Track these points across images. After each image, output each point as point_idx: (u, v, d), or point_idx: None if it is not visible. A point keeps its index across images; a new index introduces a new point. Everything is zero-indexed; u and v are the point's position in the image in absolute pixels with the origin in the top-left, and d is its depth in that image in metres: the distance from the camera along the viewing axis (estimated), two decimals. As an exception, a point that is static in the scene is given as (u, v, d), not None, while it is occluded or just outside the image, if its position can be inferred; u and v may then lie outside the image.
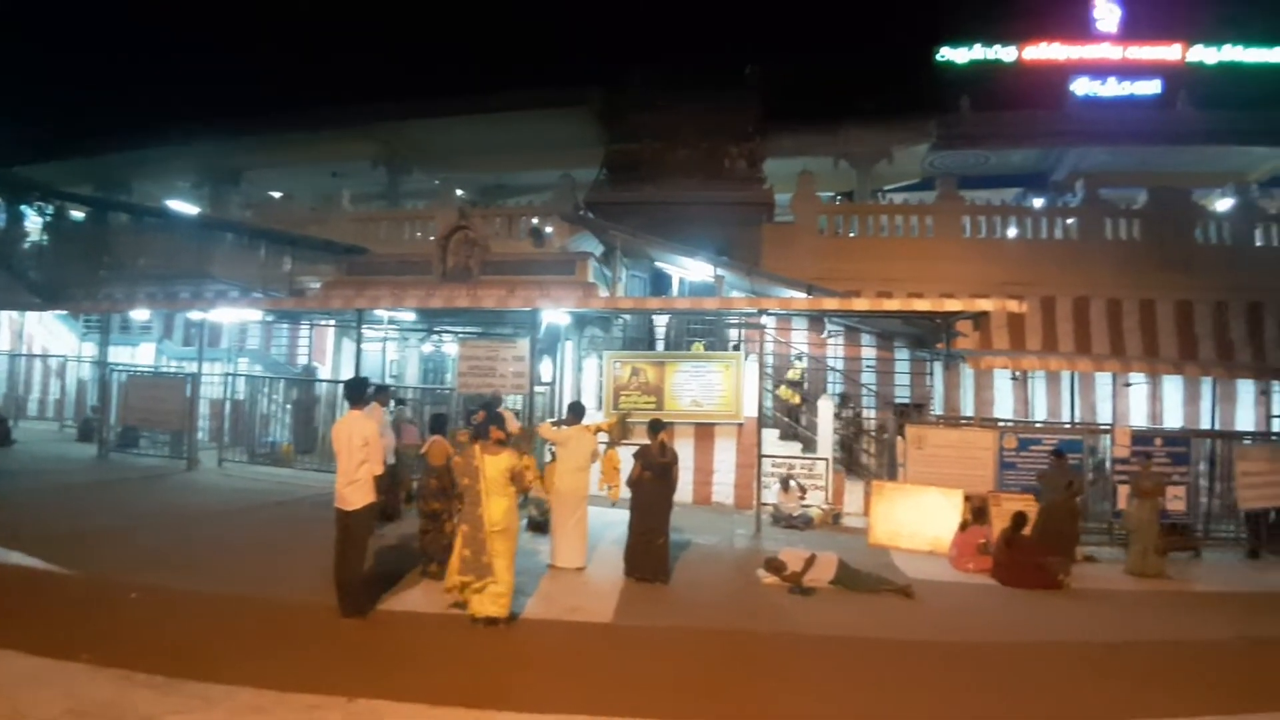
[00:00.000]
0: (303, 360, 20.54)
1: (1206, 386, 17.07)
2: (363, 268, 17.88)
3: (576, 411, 10.55)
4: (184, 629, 6.94)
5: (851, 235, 20.05)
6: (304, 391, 18.44)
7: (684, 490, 14.23)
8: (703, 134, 21.17)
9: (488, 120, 24.00)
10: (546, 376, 16.49)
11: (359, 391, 8.15)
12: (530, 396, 14.72)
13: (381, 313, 16.31)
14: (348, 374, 16.24)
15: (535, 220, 20.58)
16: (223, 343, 20.65)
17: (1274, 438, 14.92)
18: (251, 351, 20.70)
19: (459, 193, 27.45)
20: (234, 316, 18.91)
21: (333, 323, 18.90)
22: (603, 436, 10.54)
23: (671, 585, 9.35)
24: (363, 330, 16.13)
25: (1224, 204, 21.18)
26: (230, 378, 17.58)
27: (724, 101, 21.31)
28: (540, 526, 11.50)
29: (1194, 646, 8.14)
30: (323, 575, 7.60)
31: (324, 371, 20.02)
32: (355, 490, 7.42)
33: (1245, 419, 17.40)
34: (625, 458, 10.34)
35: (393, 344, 19.65)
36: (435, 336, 19.54)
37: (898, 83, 25.19)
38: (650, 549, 9.44)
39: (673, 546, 10.01)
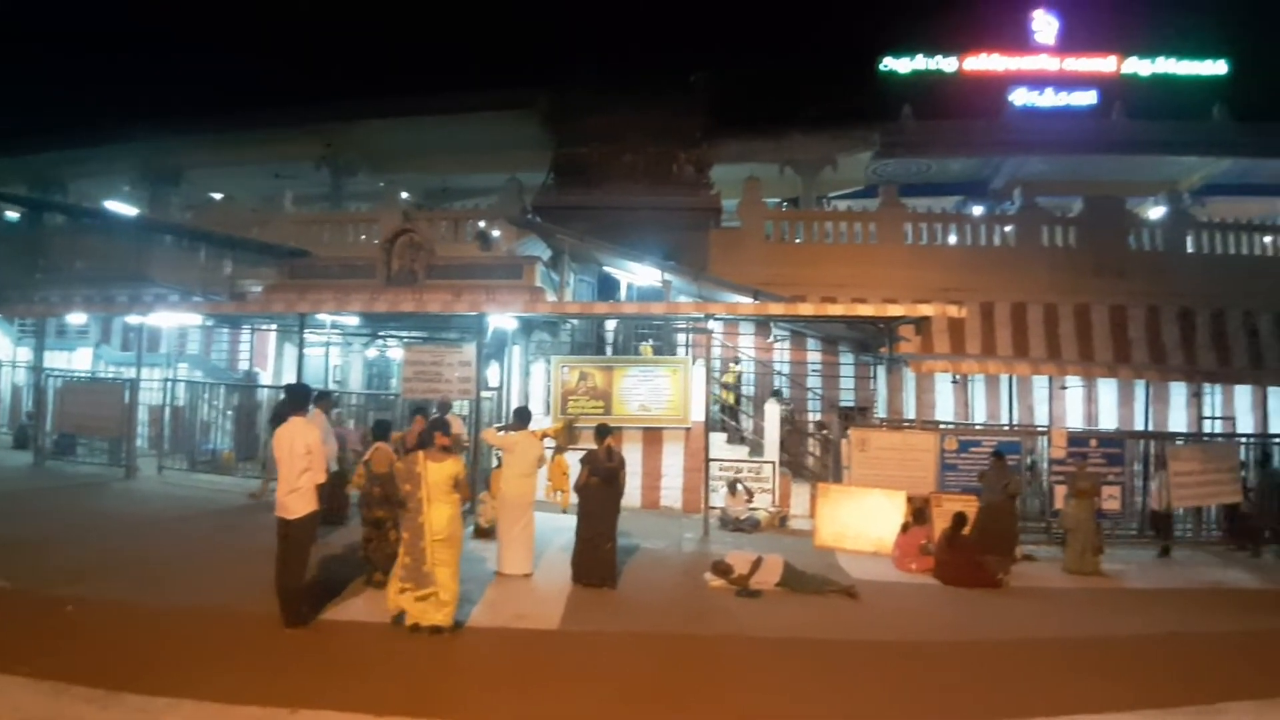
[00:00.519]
0: (244, 365, 20.09)
1: (1140, 389, 17.58)
2: (305, 271, 17.55)
3: (522, 417, 10.47)
4: (124, 641, 6.76)
5: (797, 241, 20.30)
6: (245, 397, 18.02)
7: (632, 495, 14.23)
8: (650, 139, 21.25)
9: (433, 122, 23.79)
10: (494, 381, 16.33)
11: (301, 398, 8.00)
12: (477, 402, 14.56)
13: (325, 317, 16.02)
14: (290, 379, 15.92)
15: (482, 224, 20.42)
16: (162, 348, 20.08)
17: (1205, 438, 15.43)
18: (192, 357, 20.18)
19: (404, 195, 27.15)
20: (173, 321, 18.41)
21: (274, 327, 18.52)
22: (549, 442, 10.48)
23: (619, 590, 9.31)
24: (305, 335, 15.83)
25: (1156, 212, 21.90)
26: (170, 383, 17.14)
27: (671, 107, 21.43)
28: (487, 533, 11.38)
29: (1128, 642, 8.34)
30: (265, 585, 7.41)
31: (266, 377, 19.59)
32: (297, 498, 7.27)
33: (1178, 420, 17.94)
34: (573, 463, 10.28)
35: (336, 349, 19.31)
36: (380, 341, 19.24)
37: (842, 91, 25.58)
38: (597, 554, 9.39)
39: (620, 551, 9.97)
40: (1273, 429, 16.97)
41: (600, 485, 9.47)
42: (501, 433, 10.58)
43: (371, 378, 20.32)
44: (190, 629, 7.14)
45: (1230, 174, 24.66)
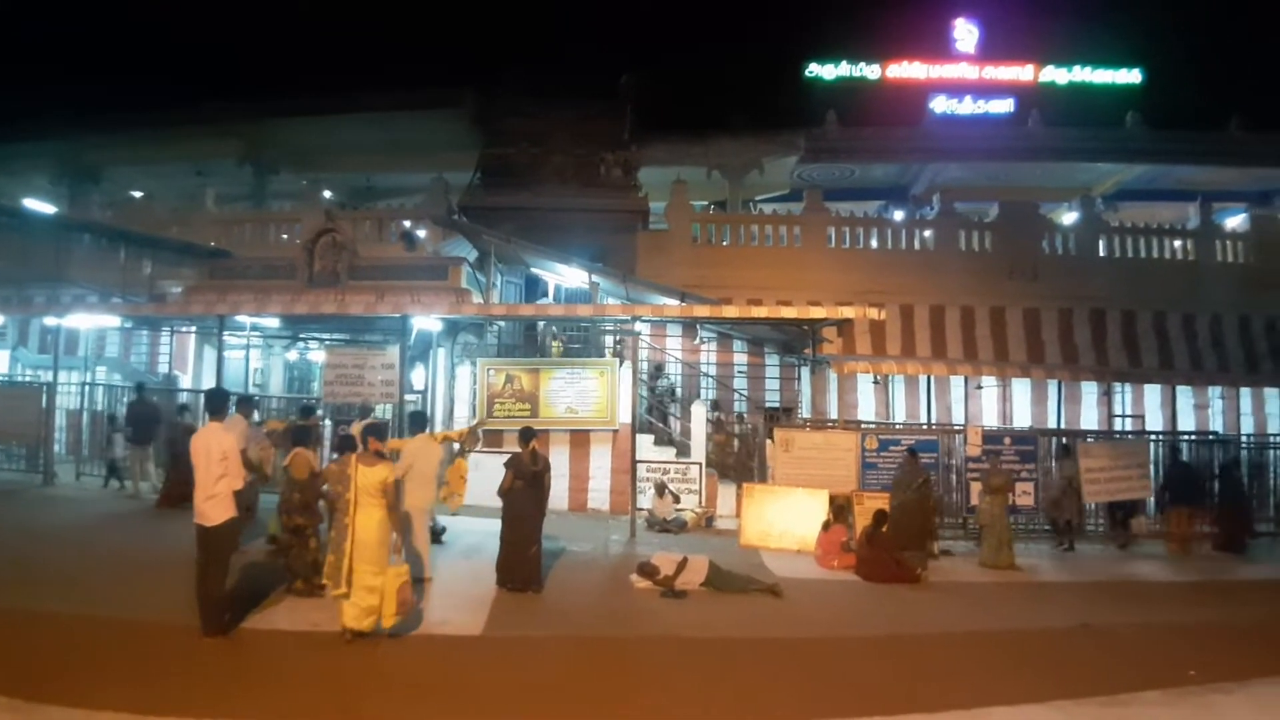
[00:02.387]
0: (164, 369, 19.42)
1: (1053, 388, 18.20)
2: (226, 271, 17.11)
3: (418, 422, 10.51)
4: (42, 651, 6.59)
5: (724, 244, 20.47)
6: (165, 401, 17.44)
7: (559, 497, 14.18)
8: (578, 140, 21.18)
9: (358, 120, 23.28)
10: (419, 384, 16.09)
11: (220, 403, 7.90)
12: (400, 405, 14.33)
13: (245, 319, 15.58)
14: (210, 383, 15.50)
15: (407, 224, 20.05)
16: (80, 350, 19.30)
17: (1116, 436, 16.02)
18: (110, 359, 19.43)
19: (327, 194, 26.55)
20: (91, 322, 17.70)
21: (194, 329, 17.96)
22: (455, 446, 10.40)
23: (544, 594, 9.26)
24: (225, 337, 15.38)
25: (1070, 217, 22.63)
26: (88, 387, 16.55)
27: (599, 109, 21.39)
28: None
29: (1041, 634, 8.64)
30: (185, 592, 7.26)
31: (185, 380, 18.94)
32: (214, 505, 7.15)
33: (1090, 418, 18.56)
34: (494, 468, 10.08)
35: (257, 351, 18.78)
36: (301, 344, 18.79)
37: (768, 97, 25.95)
38: (522, 558, 9.32)
39: (546, 555, 9.93)
40: (1182, 426, 17.67)
41: (525, 489, 9.39)
42: (399, 438, 10.48)
43: (293, 381, 19.82)
44: (110, 639, 6.98)
45: (1142, 179, 25.58)
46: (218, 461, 7.15)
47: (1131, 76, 26.91)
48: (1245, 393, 19.31)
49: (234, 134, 24.26)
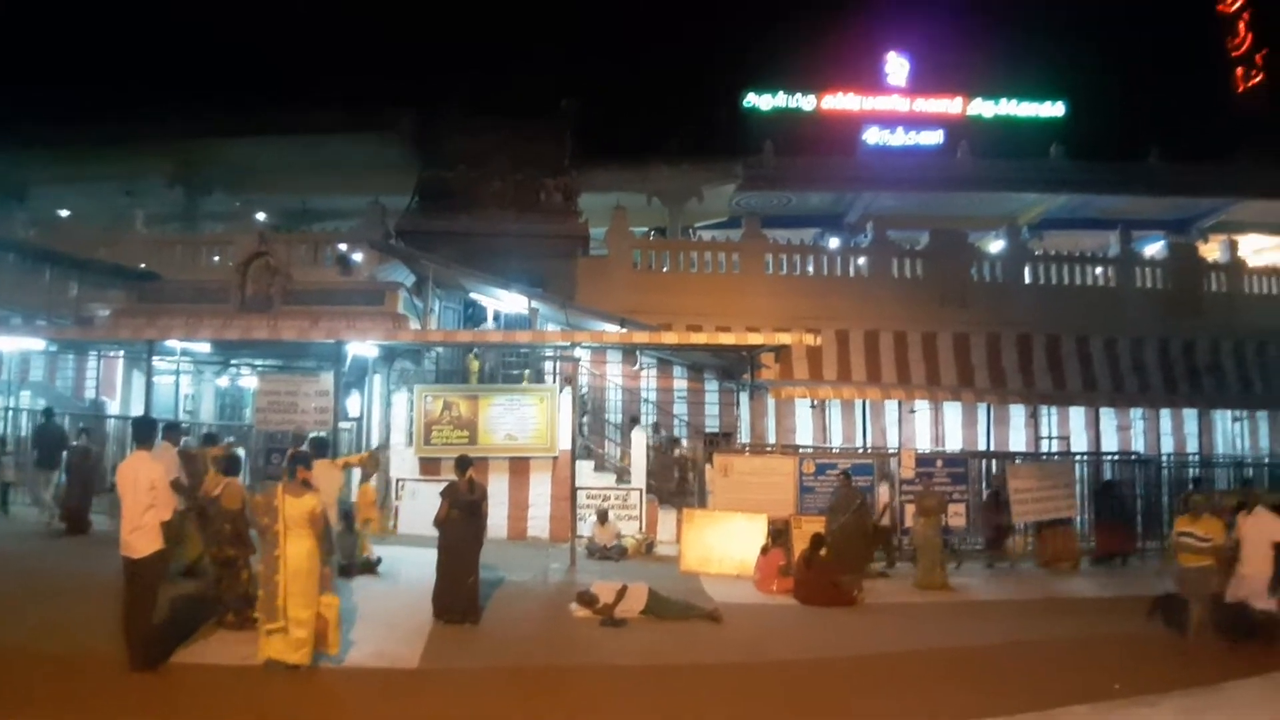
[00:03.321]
0: (91, 394, 18.76)
1: (983, 411, 18.68)
2: (155, 295, 16.69)
3: (319, 447, 10.35)
4: None
5: (664, 270, 20.63)
6: (92, 428, 16.86)
7: (498, 526, 14.08)
8: (518, 165, 21.17)
9: (293, 141, 23.02)
10: (354, 412, 15.83)
11: (147, 431, 7.70)
12: (335, 433, 14.07)
13: (175, 343, 15.19)
14: (139, 409, 15.06)
15: (343, 247, 19.77)
16: (2, 375, 18.54)
17: (1043, 457, 16.50)
18: (35, 384, 18.68)
19: (260, 216, 26.05)
20: (15, 345, 17.07)
21: (122, 354, 17.43)
22: (357, 473, 10.28)
23: (482, 625, 9.11)
24: (155, 362, 14.96)
25: (997, 245, 23.34)
26: (10, 412, 15.85)
27: (540, 134, 21.46)
28: (346, 570, 10.98)
29: (974, 652, 8.84)
30: (111, 625, 7.00)
31: (113, 406, 18.34)
32: (141, 536, 6.92)
33: (1018, 440, 19.09)
34: (432, 496, 9.95)
35: (188, 377, 18.28)
36: (234, 369, 18.35)
37: (707, 125, 26.39)
38: (460, 589, 9.17)
39: (485, 584, 9.77)
40: (1105, 447, 18.28)
41: (462, 518, 9.26)
42: None
43: (225, 408, 19.31)
44: (34, 672, 6.74)
45: (1065, 209, 26.52)
46: (145, 491, 6.95)
47: (1055, 109, 28.15)
48: (1165, 413, 20.02)
49: (166, 152, 23.75)
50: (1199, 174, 25.52)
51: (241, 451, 13.48)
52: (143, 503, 6.95)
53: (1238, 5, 35.06)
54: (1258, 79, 34.02)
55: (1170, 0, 35.51)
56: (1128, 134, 26.72)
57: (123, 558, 6.97)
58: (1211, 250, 23.46)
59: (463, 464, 9.63)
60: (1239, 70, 34.66)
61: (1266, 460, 19.34)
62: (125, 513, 6.99)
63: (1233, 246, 22.67)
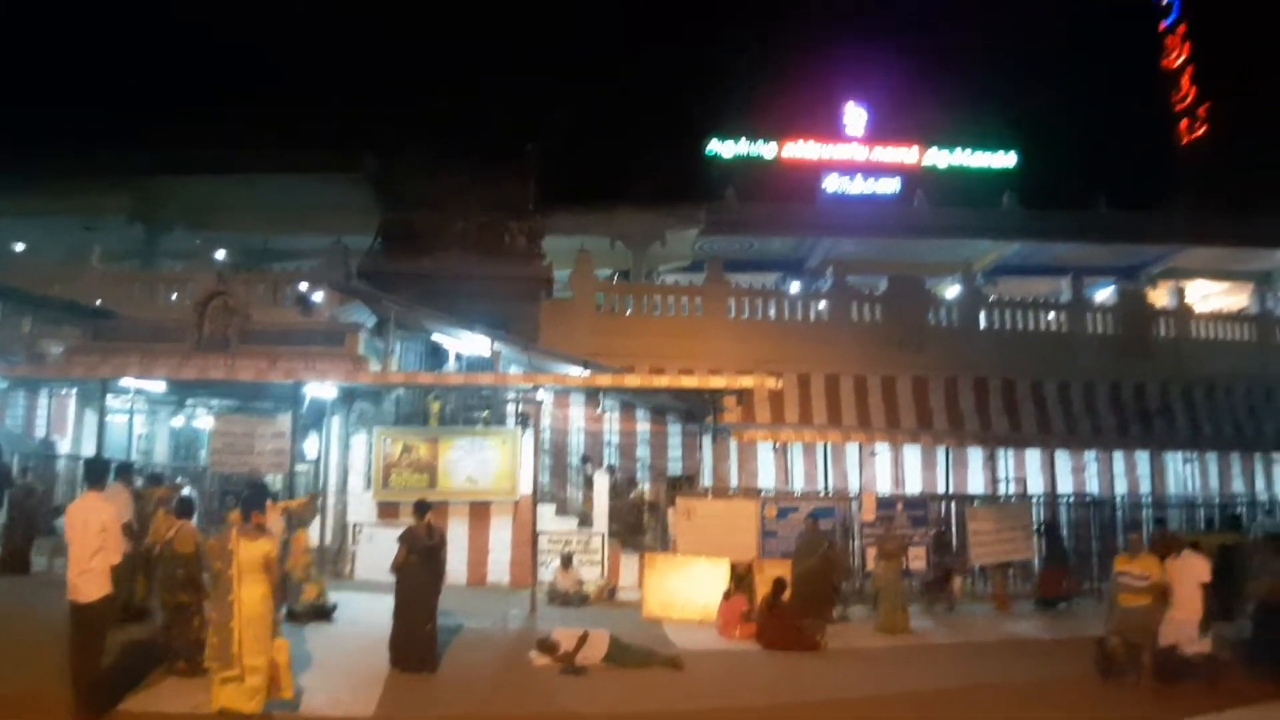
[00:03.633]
0: (41, 433, 18.27)
1: (941, 454, 18.88)
2: (111, 333, 16.36)
3: (255, 491, 10.09)
4: None
5: (628, 313, 20.73)
6: (42, 468, 16.42)
7: (458, 571, 13.87)
8: (482, 208, 21.23)
9: (255, 180, 22.88)
10: (311, 454, 15.60)
11: (99, 472, 7.55)
12: (291, 476, 13.87)
13: (129, 382, 14.92)
14: (90, 449, 14.76)
15: (303, 287, 19.63)
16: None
17: (1001, 499, 16.68)
18: (-16, 422, 18.20)
19: (220, 255, 25.81)
20: (-36, 382, 16.66)
21: (75, 392, 17.06)
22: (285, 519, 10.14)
23: (440, 673, 8.95)
24: (108, 401, 14.67)
25: (953, 291, 23.81)
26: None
27: (504, 177, 21.55)
28: (298, 616, 10.76)
29: (935, 696, 8.90)
30: (56, 670, 6.84)
31: (64, 445, 17.88)
32: (89, 580, 6.76)
33: (976, 482, 19.27)
34: (390, 541, 9.79)
35: (142, 417, 17.91)
36: (189, 409, 18.01)
37: (670, 171, 26.78)
38: (416, 636, 9.01)
39: (443, 631, 9.62)
40: (1061, 489, 18.54)
41: (419, 563, 9.13)
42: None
43: (179, 448, 18.92)
44: None
45: (1019, 256, 27.08)
46: (96, 534, 6.80)
47: (1007, 160, 29.07)
48: (1118, 455, 20.33)
49: (126, 189, 23.46)
50: (1146, 222, 26.29)
51: (191, 492, 13.23)
52: (92, 545, 6.80)
53: (1181, 61, 36.62)
54: (1201, 131, 35.50)
55: (1117, 56, 37.08)
56: (1077, 183, 27.56)
57: (69, 601, 6.81)
58: (1160, 296, 24.14)
59: (421, 508, 9.51)
60: (1183, 123, 36.16)
61: (1217, 501, 19.71)
62: (73, 555, 6.84)
63: (1180, 292, 23.36)
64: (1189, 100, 36.16)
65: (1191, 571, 9.11)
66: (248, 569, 7.07)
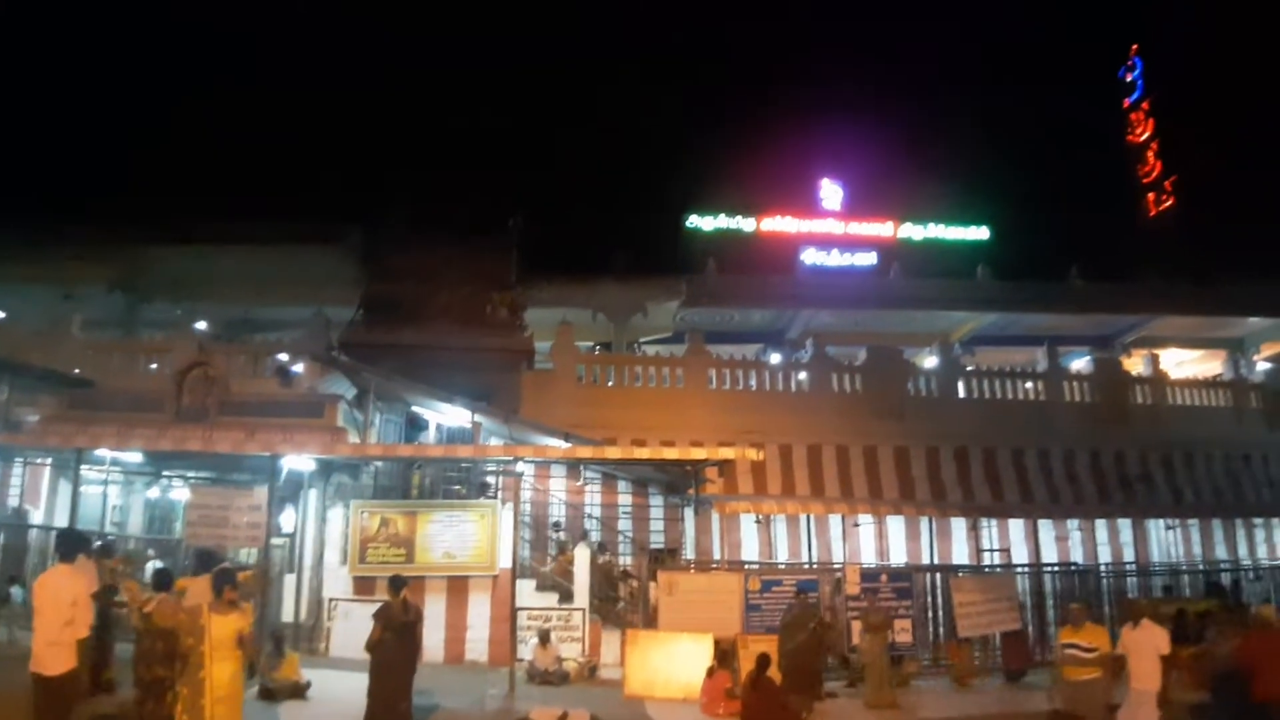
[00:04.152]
0: (13, 502, 17.90)
1: (925, 524, 18.79)
2: (89, 402, 16.24)
3: (203, 560, 10.00)
4: None
5: (609, 384, 20.72)
6: (13, 537, 16.05)
7: (435, 648, 13.60)
8: (465, 279, 21.32)
9: (238, 251, 22.93)
10: (287, 527, 15.33)
11: (72, 545, 7.42)
12: (267, 549, 13.60)
13: (105, 453, 14.70)
14: (63, 519, 14.61)
15: (284, 358, 19.53)
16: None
17: (985, 570, 16.57)
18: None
19: (201, 325, 25.70)
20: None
21: (50, 461, 16.78)
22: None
23: (415, 755, 8.73)
24: (84, 471, 14.44)
25: (931, 361, 23.95)
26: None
27: (486, 250, 21.74)
28: (271, 694, 10.48)
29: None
30: None
31: (37, 515, 17.51)
32: (58, 653, 6.66)
33: (960, 553, 19.14)
34: (366, 617, 9.58)
35: (117, 487, 17.61)
36: (165, 481, 17.74)
37: (651, 243, 27.22)
38: (391, 716, 8.79)
39: (418, 711, 9.43)
40: (1045, 557, 18.41)
41: (395, 641, 8.95)
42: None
43: (154, 520, 18.56)
44: None
45: (994, 326, 27.38)
46: (67, 606, 6.73)
47: (980, 233, 29.80)
48: (1101, 523, 20.32)
49: (107, 259, 23.41)
50: (1117, 292, 26.85)
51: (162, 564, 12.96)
52: (63, 618, 6.71)
53: (1146, 136, 37.90)
54: (1168, 203, 36.59)
55: (1084, 132, 38.38)
56: (1049, 255, 28.24)
57: (32, 674, 6.64)
58: (1135, 364, 24.42)
59: (397, 584, 9.36)
60: (1150, 196, 37.25)
61: (1201, 568, 19.65)
62: (40, 627, 6.70)
63: (1154, 360, 23.64)
64: (1155, 174, 37.34)
65: (1150, 641, 8.89)
66: (221, 645, 6.94)
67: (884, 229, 29.48)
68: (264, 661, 11.09)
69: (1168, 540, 21.03)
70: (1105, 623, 14.77)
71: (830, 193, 29.96)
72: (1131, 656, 8.86)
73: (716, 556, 17.28)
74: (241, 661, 7.08)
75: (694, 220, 28.98)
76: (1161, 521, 21.03)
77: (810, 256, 28.49)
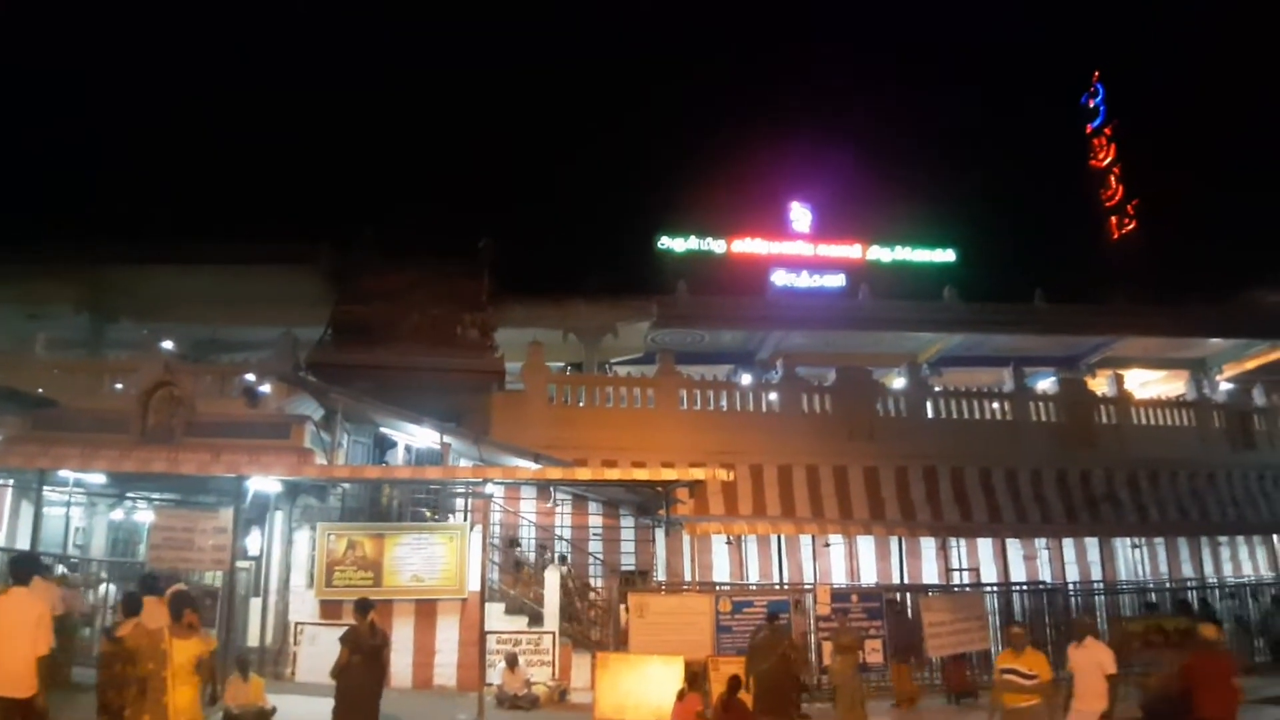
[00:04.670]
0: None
1: (895, 544, 18.86)
2: (52, 422, 15.80)
3: (148, 584, 9.83)
4: None
5: (580, 405, 20.67)
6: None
7: (402, 673, 13.43)
8: (435, 300, 21.21)
9: (206, 271, 22.65)
10: (254, 550, 15.08)
11: (26, 570, 7.25)
12: (232, 573, 13.37)
13: (68, 474, 14.41)
14: (25, 542, 14.29)
15: (251, 378, 19.28)
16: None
17: (955, 589, 16.63)
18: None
19: (168, 345, 25.34)
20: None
21: (11, 483, 16.41)
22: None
23: (380, 784, 8.56)
24: (46, 493, 14.15)
25: (899, 381, 24.16)
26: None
27: (457, 270, 21.65)
28: (237, 718, 10.28)
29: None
30: None
31: (-1, 538, 17.13)
32: (28, 674, 6.55)
33: (930, 572, 19.24)
34: (333, 641, 9.42)
35: (80, 509, 17.25)
36: (130, 503, 17.41)
37: (623, 265, 27.37)
38: (357, 743, 8.63)
39: (384, 738, 9.22)
40: (1014, 576, 18.54)
41: (363, 665, 8.80)
42: None
43: (117, 543, 18.20)
44: None
45: (962, 347, 27.69)
46: (32, 628, 6.61)
47: (946, 255, 30.33)
48: (1068, 542, 20.52)
49: (73, 279, 23.04)
50: (1081, 314, 27.26)
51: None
52: (27, 638, 6.59)
53: (1108, 160, 38.72)
54: (1130, 226, 37.37)
55: (1048, 157, 39.20)
56: (1015, 277, 28.72)
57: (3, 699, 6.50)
58: (1100, 384, 24.77)
59: (363, 607, 9.22)
60: (1113, 219, 38.01)
61: (1168, 586, 19.87)
62: (11, 649, 6.56)
63: (1119, 380, 23.99)
64: (1117, 198, 38.12)
65: (1095, 660, 8.57)
66: (182, 670, 6.84)
67: (852, 251, 29.89)
68: (229, 687, 10.90)
69: (1134, 559, 21.28)
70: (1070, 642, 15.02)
71: (800, 215, 30.36)
72: (1077, 675, 8.59)
73: (688, 578, 17.20)
74: (200, 686, 6.92)
75: (665, 241, 29.22)
76: (1128, 540, 21.30)
77: (780, 278, 28.78)
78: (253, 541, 14.92)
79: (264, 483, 14.03)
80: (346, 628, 9.24)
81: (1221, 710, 8.17)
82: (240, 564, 13.91)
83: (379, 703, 8.93)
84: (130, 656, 7.90)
